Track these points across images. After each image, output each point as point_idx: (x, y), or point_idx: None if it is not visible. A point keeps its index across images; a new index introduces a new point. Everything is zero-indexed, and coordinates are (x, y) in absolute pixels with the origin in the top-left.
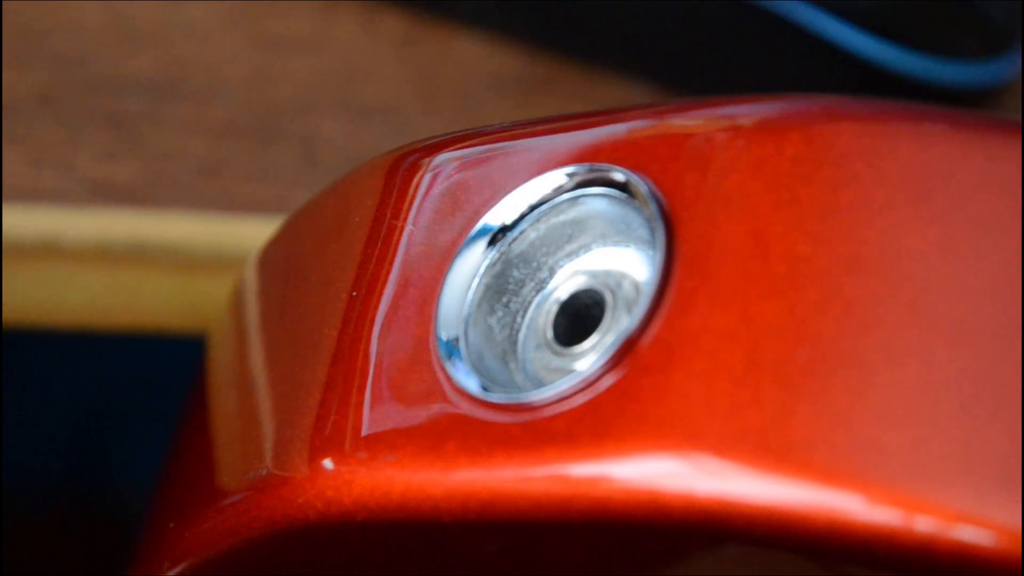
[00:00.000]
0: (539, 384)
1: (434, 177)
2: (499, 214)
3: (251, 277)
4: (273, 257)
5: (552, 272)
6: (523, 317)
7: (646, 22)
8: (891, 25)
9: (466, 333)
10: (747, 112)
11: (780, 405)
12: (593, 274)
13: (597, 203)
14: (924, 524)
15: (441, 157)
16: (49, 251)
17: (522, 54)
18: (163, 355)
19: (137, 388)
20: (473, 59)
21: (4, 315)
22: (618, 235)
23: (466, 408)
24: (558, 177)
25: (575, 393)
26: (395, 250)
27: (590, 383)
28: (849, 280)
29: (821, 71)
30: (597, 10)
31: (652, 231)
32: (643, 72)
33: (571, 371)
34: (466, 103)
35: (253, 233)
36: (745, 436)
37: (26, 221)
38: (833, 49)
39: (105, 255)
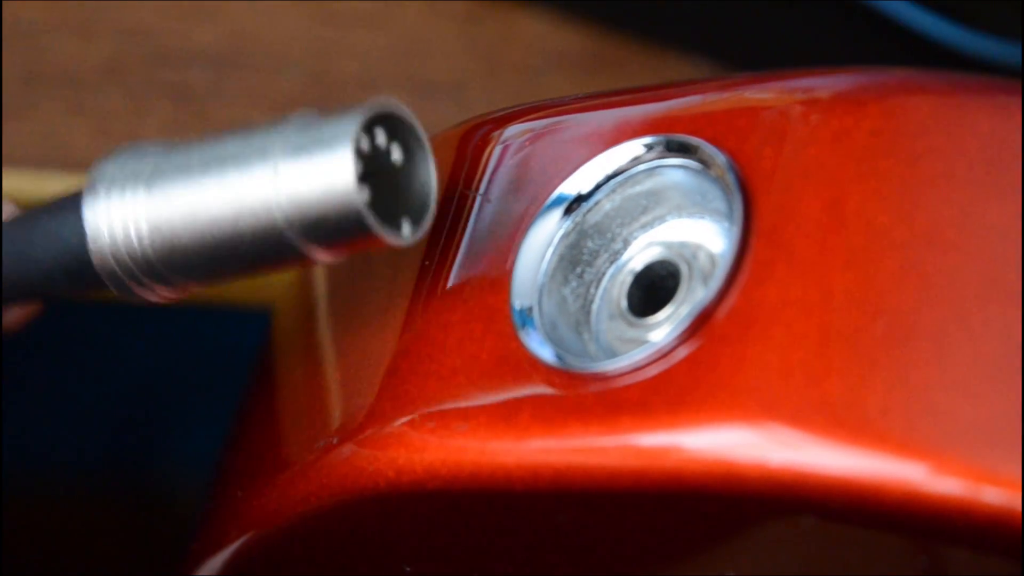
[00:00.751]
0: (613, 355)
1: (507, 147)
2: (575, 184)
3: None
4: None
5: (627, 243)
6: (597, 288)
7: (710, 0)
8: (954, 4)
9: (540, 303)
10: (824, 84)
11: (856, 376)
12: (668, 245)
13: (673, 174)
14: (997, 496)
15: (514, 127)
16: None
17: (586, 32)
18: (227, 328)
19: (200, 362)
20: (537, 37)
21: None
22: (694, 207)
23: (540, 377)
24: (635, 148)
25: (650, 363)
26: (467, 220)
27: (665, 353)
28: (927, 253)
29: (886, 50)
30: None
31: (729, 203)
32: (707, 50)
33: (645, 342)
34: (530, 80)
35: None
36: (820, 407)
37: None
38: (898, 28)
39: None
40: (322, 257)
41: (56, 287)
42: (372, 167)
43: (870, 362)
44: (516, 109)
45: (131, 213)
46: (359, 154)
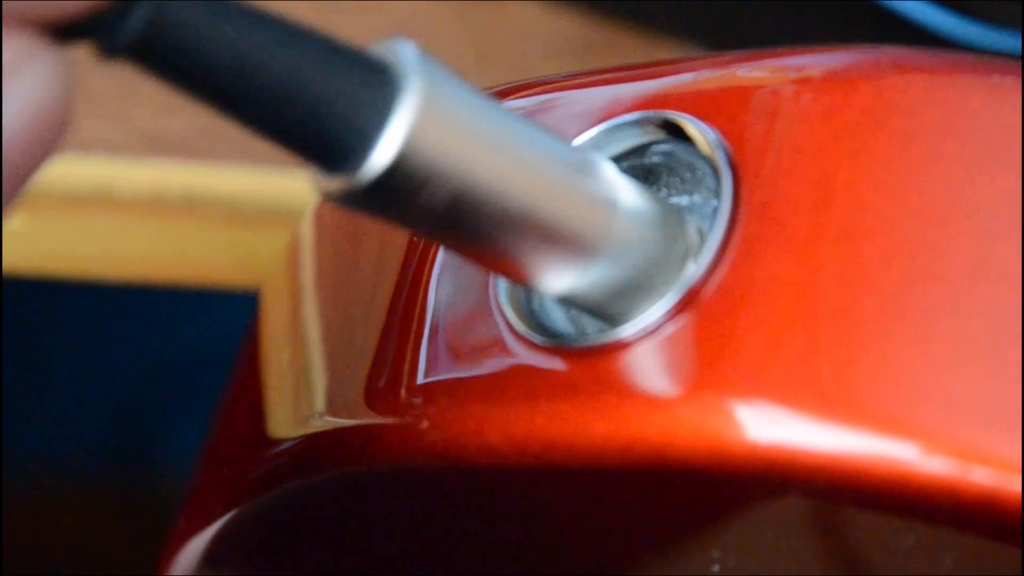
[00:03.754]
0: (600, 331)
1: None
2: None
3: (308, 230)
4: (330, 209)
5: None
6: None
7: None
8: None
9: None
10: (816, 63)
11: (843, 353)
12: None
13: (664, 151)
14: (985, 475)
15: (506, 103)
16: (102, 201)
17: (578, 17)
18: (218, 311)
19: (192, 346)
20: (529, 22)
21: (55, 265)
22: (683, 184)
23: (526, 353)
24: (625, 124)
25: (637, 340)
26: None
27: (652, 330)
28: (917, 231)
29: (879, 39)
30: None
31: (718, 180)
32: (700, 36)
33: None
34: (522, 64)
35: (306, 187)
36: (807, 384)
37: (80, 171)
38: (891, 16)
39: (158, 207)
40: None
41: (275, 129)
42: None
43: (859, 340)
44: (507, 87)
45: (453, 147)
46: None
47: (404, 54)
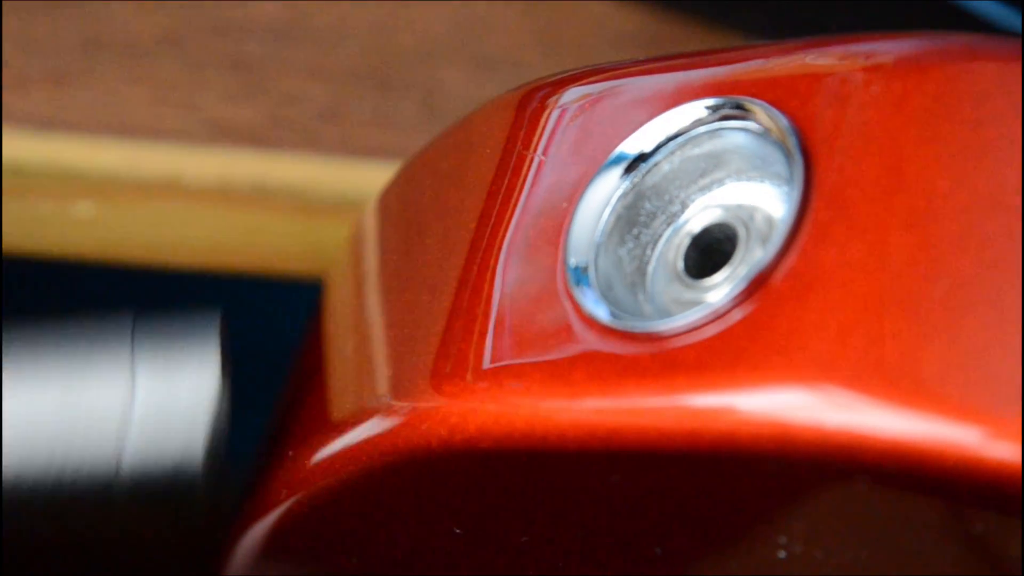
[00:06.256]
0: (668, 316)
1: (566, 108)
2: (635, 143)
3: (372, 215)
4: (396, 193)
5: (684, 205)
6: (653, 250)
7: None
8: None
9: (596, 262)
10: (887, 49)
11: (913, 339)
12: (726, 208)
13: (734, 137)
14: None
15: (574, 90)
16: (170, 189)
17: (646, 13)
18: (275, 298)
19: (247, 333)
20: (597, 15)
21: (124, 250)
22: (753, 170)
23: (594, 336)
24: (697, 109)
25: (706, 324)
26: (524, 180)
27: (721, 314)
28: (987, 217)
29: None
30: None
31: (789, 166)
32: (765, 29)
33: (701, 304)
34: (589, 59)
35: (372, 177)
36: (877, 369)
37: (148, 159)
38: (959, 13)
39: (225, 195)
40: None
41: None
42: None
43: (928, 325)
44: (576, 72)
45: None
46: None
47: None
